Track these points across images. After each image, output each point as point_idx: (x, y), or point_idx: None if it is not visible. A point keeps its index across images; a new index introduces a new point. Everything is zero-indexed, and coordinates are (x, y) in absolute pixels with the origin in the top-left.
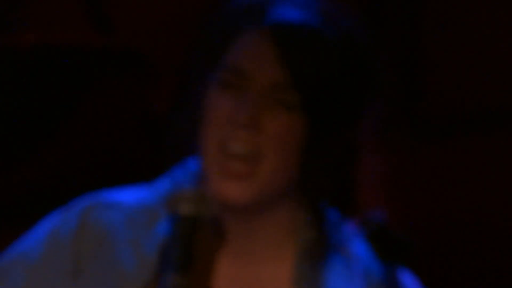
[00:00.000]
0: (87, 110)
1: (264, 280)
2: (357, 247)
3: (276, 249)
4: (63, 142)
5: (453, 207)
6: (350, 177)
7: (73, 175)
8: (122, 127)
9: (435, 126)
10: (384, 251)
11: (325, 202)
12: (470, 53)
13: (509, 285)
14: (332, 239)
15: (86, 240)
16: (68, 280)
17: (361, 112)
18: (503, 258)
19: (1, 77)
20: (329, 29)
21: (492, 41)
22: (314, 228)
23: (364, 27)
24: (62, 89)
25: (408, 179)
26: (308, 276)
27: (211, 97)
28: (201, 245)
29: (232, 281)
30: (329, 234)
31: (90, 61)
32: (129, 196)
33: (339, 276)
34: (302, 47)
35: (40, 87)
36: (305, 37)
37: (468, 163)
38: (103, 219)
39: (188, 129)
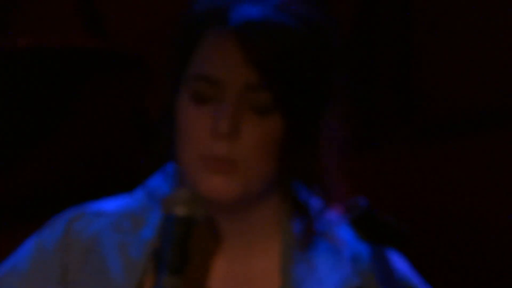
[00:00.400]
0: (82, 112)
1: (255, 274)
2: (343, 233)
3: (265, 242)
4: (58, 143)
5: (450, 207)
6: (325, 165)
7: (68, 176)
8: (117, 128)
9: (430, 128)
10: (371, 234)
11: (307, 192)
12: (464, 54)
13: (507, 285)
14: (317, 226)
15: (72, 250)
16: None
17: (332, 101)
18: (500, 257)
19: None
20: (291, 22)
21: (486, 42)
22: (299, 217)
23: (324, 15)
24: (57, 91)
25: (405, 180)
26: (296, 264)
27: (186, 110)
28: (195, 246)
29: (226, 280)
30: (313, 222)
31: (84, 63)
32: (111, 204)
33: (327, 262)
34: (268, 44)
35: (35, 89)
36: (270, 33)
37: (463, 164)
38: (88, 228)
39: (167, 139)
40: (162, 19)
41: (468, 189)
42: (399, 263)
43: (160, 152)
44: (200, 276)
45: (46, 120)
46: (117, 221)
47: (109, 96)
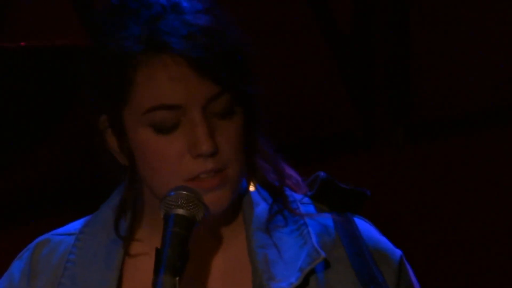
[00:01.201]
0: (80, 112)
1: (229, 265)
2: (306, 209)
3: (232, 232)
4: (57, 143)
5: (446, 206)
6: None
7: (67, 176)
8: None
9: (427, 128)
10: (334, 203)
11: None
12: (461, 55)
13: (506, 284)
14: (279, 208)
15: (37, 276)
16: None
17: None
18: (494, 254)
19: None
20: (213, 23)
21: (483, 43)
22: (260, 202)
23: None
24: (55, 91)
25: (401, 180)
26: (263, 249)
27: (151, 143)
28: (193, 246)
29: (202, 277)
30: (274, 205)
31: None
32: (75, 224)
33: (292, 242)
34: (211, 53)
35: (34, 89)
36: (207, 42)
37: (460, 164)
38: (56, 250)
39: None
40: None
41: (465, 188)
42: (366, 228)
43: (127, 194)
44: (198, 276)
45: (45, 120)
46: (83, 240)
47: None
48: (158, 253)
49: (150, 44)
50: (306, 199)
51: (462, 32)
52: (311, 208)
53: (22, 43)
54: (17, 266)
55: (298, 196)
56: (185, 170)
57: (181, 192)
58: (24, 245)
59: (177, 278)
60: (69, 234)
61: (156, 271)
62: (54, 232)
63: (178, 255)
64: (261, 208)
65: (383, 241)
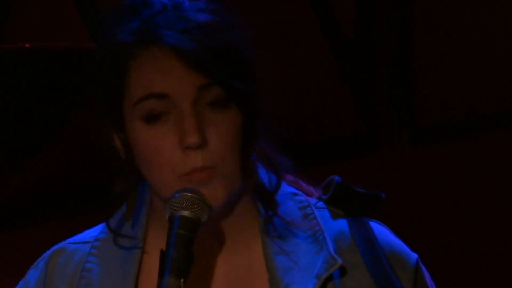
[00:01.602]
0: (83, 114)
1: (242, 272)
2: (321, 214)
3: (246, 238)
4: (60, 145)
5: (450, 209)
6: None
7: (70, 178)
8: None
9: (431, 131)
10: (349, 207)
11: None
12: (464, 58)
13: (507, 285)
14: (293, 213)
15: (55, 285)
16: None
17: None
18: (496, 256)
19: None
20: (207, 17)
21: (486, 46)
22: (272, 206)
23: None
24: (58, 93)
25: (406, 183)
26: (279, 256)
27: (143, 134)
28: (198, 248)
29: (211, 282)
30: (287, 209)
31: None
32: (94, 231)
33: (308, 248)
34: (201, 45)
35: (37, 91)
36: (197, 35)
37: (464, 166)
38: (71, 259)
39: (125, 167)
40: None
41: (469, 191)
42: (381, 232)
43: (123, 189)
44: (203, 278)
45: (47, 122)
46: (100, 247)
47: None
48: (163, 255)
49: (141, 36)
50: (320, 204)
51: (466, 35)
52: (326, 213)
53: (26, 45)
54: (32, 275)
55: (312, 201)
56: (178, 165)
57: (186, 194)
58: (27, 247)
59: (182, 280)
60: (84, 242)
61: (161, 273)
62: (69, 240)
63: (183, 257)
64: (274, 213)
65: (399, 245)
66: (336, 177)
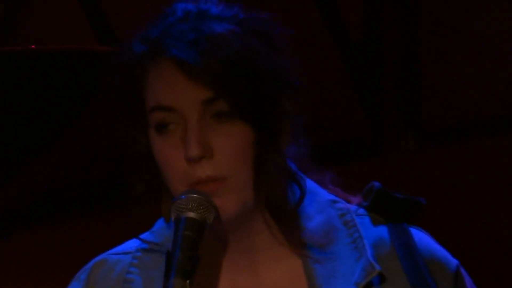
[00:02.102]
0: (88, 117)
1: (282, 276)
2: (361, 221)
3: (271, 249)
4: (66, 148)
5: (453, 210)
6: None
7: (75, 180)
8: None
9: (437, 134)
10: (389, 213)
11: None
12: (471, 61)
13: (509, 286)
14: (332, 219)
15: None
16: None
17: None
18: (501, 258)
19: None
20: (223, 28)
21: (493, 49)
22: (314, 214)
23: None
24: (66, 95)
25: (409, 184)
26: (318, 264)
27: (156, 143)
28: (204, 250)
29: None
30: (327, 216)
31: (92, 67)
32: (134, 242)
33: (347, 255)
34: (205, 60)
35: (42, 93)
36: (204, 49)
37: (470, 169)
38: (112, 271)
39: (146, 175)
40: None
41: (475, 194)
42: (421, 238)
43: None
44: (209, 281)
45: (53, 125)
46: (141, 258)
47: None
48: (169, 256)
49: (151, 46)
50: (361, 210)
51: (472, 39)
52: (366, 220)
53: (33, 47)
54: (75, 287)
55: (353, 208)
56: (184, 176)
57: (192, 195)
58: (30, 248)
59: (188, 281)
60: (125, 253)
61: (167, 274)
62: (110, 251)
63: (189, 258)
64: (316, 221)
65: (439, 251)
66: (376, 184)
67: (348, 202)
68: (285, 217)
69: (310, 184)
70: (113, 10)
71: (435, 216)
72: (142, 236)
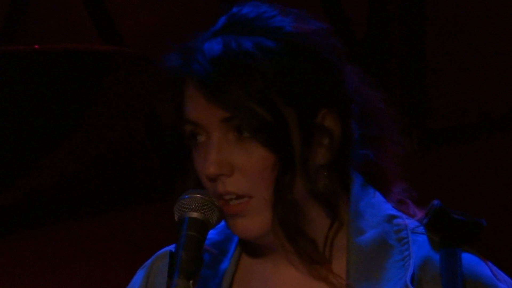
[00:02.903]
0: (92, 116)
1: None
2: (415, 238)
3: (333, 256)
4: (67, 148)
5: (457, 209)
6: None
7: (80, 180)
8: (127, 132)
9: (440, 133)
10: (447, 233)
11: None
12: (477, 60)
13: None
14: (386, 235)
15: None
16: None
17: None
18: (507, 259)
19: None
20: (251, 52)
21: (498, 48)
22: (367, 227)
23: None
24: (70, 95)
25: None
26: (361, 273)
27: (192, 152)
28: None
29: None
30: (380, 232)
31: (97, 66)
32: None
33: (394, 270)
34: (224, 83)
35: (46, 93)
36: (224, 72)
37: (471, 167)
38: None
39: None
40: (175, 22)
41: (480, 193)
42: (472, 265)
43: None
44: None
45: (57, 124)
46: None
47: (121, 99)
48: (172, 256)
49: (181, 61)
50: (420, 228)
51: (478, 38)
52: (422, 238)
53: (36, 46)
54: (139, 276)
55: (412, 224)
56: (208, 185)
57: (195, 195)
58: (31, 250)
59: (191, 282)
60: None
61: (170, 274)
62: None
63: (192, 258)
64: (368, 236)
65: (485, 278)
66: (436, 202)
67: (411, 216)
68: (298, 244)
69: (373, 197)
70: (117, 10)
71: None
72: (211, 230)
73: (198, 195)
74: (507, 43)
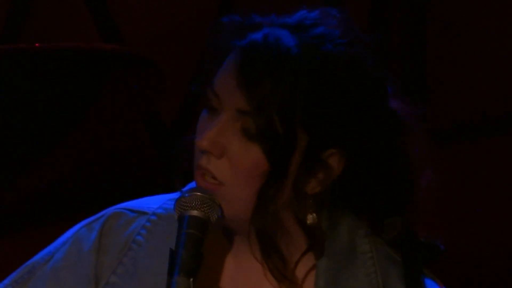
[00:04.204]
0: (94, 116)
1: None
2: (378, 253)
3: (307, 263)
4: (70, 147)
5: (458, 209)
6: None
7: (80, 179)
8: (128, 132)
9: (444, 131)
10: (407, 254)
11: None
12: (479, 58)
13: (509, 286)
14: (355, 247)
15: (107, 251)
16: None
17: (330, 143)
18: (509, 257)
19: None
20: (304, 56)
21: (500, 46)
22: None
23: (365, 50)
24: (68, 95)
25: None
26: (329, 284)
27: (200, 117)
28: (207, 248)
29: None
30: (345, 244)
31: (97, 66)
32: (154, 203)
33: (364, 285)
34: (261, 74)
35: (47, 92)
36: (268, 64)
37: (472, 167)
38: (126, 227)
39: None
40: (175, 22)
41: (482, 192)
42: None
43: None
44: (212, 279)
45: (58, 124)
46: (154, 223)
47: (121, 98)
48: (172, 254)
49: (238, 33)
50: (381, 242)
51: (479, 35)
52: (384, 253)
53: (36, 45)
54: (85, 236)
55: (376, 238)
56: (197, 155)
57: (195, 193)
58: (34, 251)
59: (192, 280)
60: (143, 213)
61: (170, 272)
62: (128, 206)
63: (192, 256)
64: (341, 245)
65: None
66: (400, 219)
67: (374, 230)
68: (271, 258)
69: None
70: (118, 9)
71: (441, 213)
72: (168, 198)
73: (198, 193)
74: (510, 41)
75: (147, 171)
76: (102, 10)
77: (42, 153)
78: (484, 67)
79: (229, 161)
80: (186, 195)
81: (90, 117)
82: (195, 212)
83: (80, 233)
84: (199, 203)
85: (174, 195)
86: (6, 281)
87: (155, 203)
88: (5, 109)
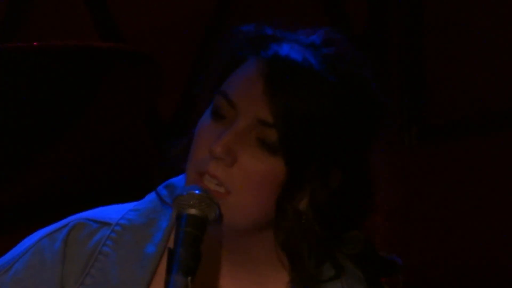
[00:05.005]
0: (92, 113)
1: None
2: (347, 272)
3: (271, 276)
4: (69, 145)
5: (455, 205)
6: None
7: (79, 177)
8: (127, 130)
9: (438, 128)
10: (367, 269)
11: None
12: (476, 56)
13: (508, 285)
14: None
15: (72, 261)
16: None
17: (347, 157)
18: (505, 255)
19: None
20: (326, 73)
21: (497, 44)
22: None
23: (371, 73)
24: (67, 93)
25: (412, 179)
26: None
27: (203, 122)
28: (205, 249)
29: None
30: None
31: (96, 64)
32: (117, 212)
33: None
34: (289, 87)
35: (45, 91)
36: (296, 78)
37: (470, 163)
38: (90, 238)
39: (181, 150)
40: (173, 20)
41: (478, 189)
42: None
43: (174, 156)
44: (209, 279)
45: (56, 122)
46: (120, 234)
47: (120, 96)
48: (171, 252)
49: (257, 43)
50: (345, 258)
51: (477, 33)
52: (349, 269)
53: (35, 43)
54: (47, 246)
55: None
56: (201, 161)
57: (193, 192)
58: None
59: (189, 278)
60: (106, 224)
61: (169, 270)
62: (91, 215)
63: (190, 255)
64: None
65: None
66: (360, 235)
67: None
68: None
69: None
70: (117, 7)
71: (439, 212)
72: (129, 209)
73: (197, 192)
74: (507, 39)
75: (146, 169)
76: (101, 9)
77: (43, 150)
78: (482, 64)
79: (240, 170)
80: (184, 193)
81: (89, 115)
82: (193, 211)
83: (41, 243)
84: (197, 201)
85: (134, 205)
86: None
87: (116, 213)
88: (3, 108)
